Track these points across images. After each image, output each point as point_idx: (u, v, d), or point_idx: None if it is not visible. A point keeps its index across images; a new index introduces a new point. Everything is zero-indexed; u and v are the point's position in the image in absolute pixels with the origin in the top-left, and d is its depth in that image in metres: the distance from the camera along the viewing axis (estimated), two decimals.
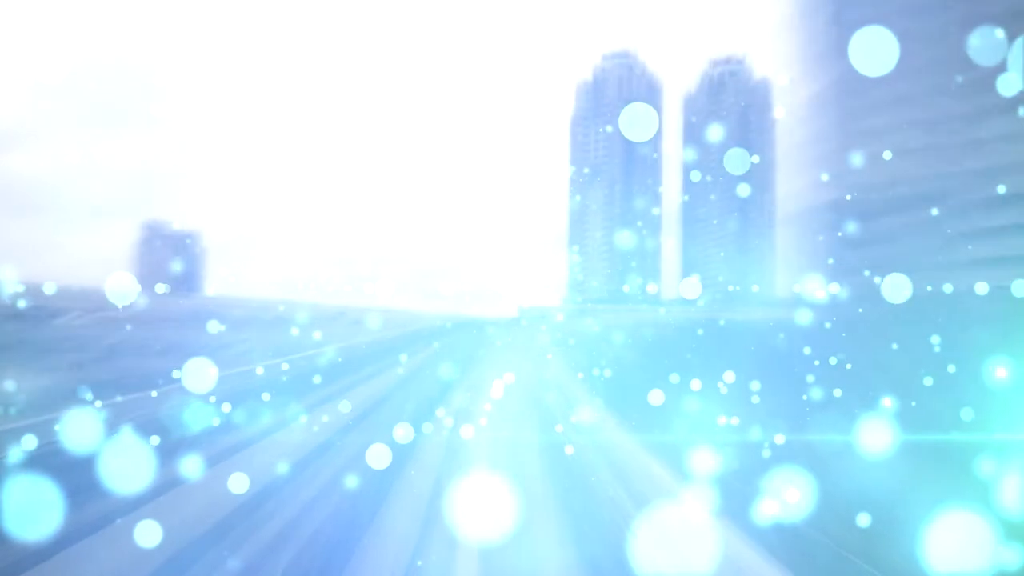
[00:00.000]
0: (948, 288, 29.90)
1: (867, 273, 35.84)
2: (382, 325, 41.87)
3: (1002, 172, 30.55)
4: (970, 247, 32.25)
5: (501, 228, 54.56)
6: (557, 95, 56.57)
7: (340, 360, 32.10)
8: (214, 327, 27.85)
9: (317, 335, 33.67)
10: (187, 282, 41.31)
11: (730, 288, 53.37)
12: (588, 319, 46.95)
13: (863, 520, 9.85)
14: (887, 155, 34.54)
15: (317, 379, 25.00)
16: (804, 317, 33.59)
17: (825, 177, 38.75)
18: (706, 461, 12.28)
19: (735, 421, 16.13)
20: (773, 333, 35.44)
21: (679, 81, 56.21)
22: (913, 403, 17.24)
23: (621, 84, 57.82)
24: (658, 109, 56.71)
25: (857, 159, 36.01)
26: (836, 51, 36.31)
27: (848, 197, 38.15)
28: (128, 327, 29.72)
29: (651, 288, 53.26)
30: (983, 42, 24.11)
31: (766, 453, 13.87)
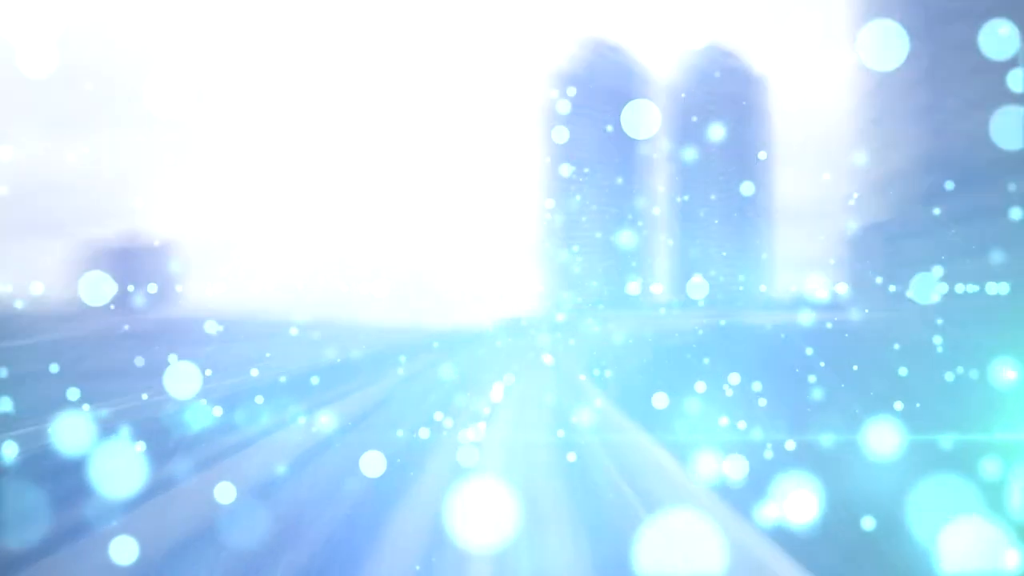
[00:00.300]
0: (960, 289, 29.71)
1: (869, 273, 35.65)
2: (381, 330, 41.62)
3: (1009, 173, 30.30)
4: (974, 247, 32.04)
5: (497, 229, 54.32)
6: (544, 90, 56.19)
7: (339, 361, 31.86)
8: (186, 342, 27.37)
9: (310, 344, 33.34)
10: (159, 295, 40.35)
11: (732, 288, 53.16)
12: (588, 319, 46.84)
13: (869, 523, 9.74)
14: (893, 152, 34.33)
15: (315, 380, 24.80)
16: (806, 318, 33.35)
17: (827, 176, 38.52)
18: (714, 463, 12.07)
19: (742, 425, 15.93)
20: (775, 334, 35.26)
21: (669, 75, 55.86)
22: (918, 404, 17.07)
23: (606, 76, 57.49)
24: (646, 103, 56.38)
25: (861, 157, 35.78)
26: (839, 45, 36.08)
27: (852, 196, 37.92)
28: (89, 343, 29.15)
29: (655, 288, 53.08)
30: (995, 36, 23.83)
31: (768, 455, 13.72)
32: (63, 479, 11.76)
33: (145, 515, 10.61)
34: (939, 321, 26.71)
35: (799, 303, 36.93)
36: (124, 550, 8.98)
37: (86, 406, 15.65)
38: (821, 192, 39.70)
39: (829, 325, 34.04)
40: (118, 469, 12.02)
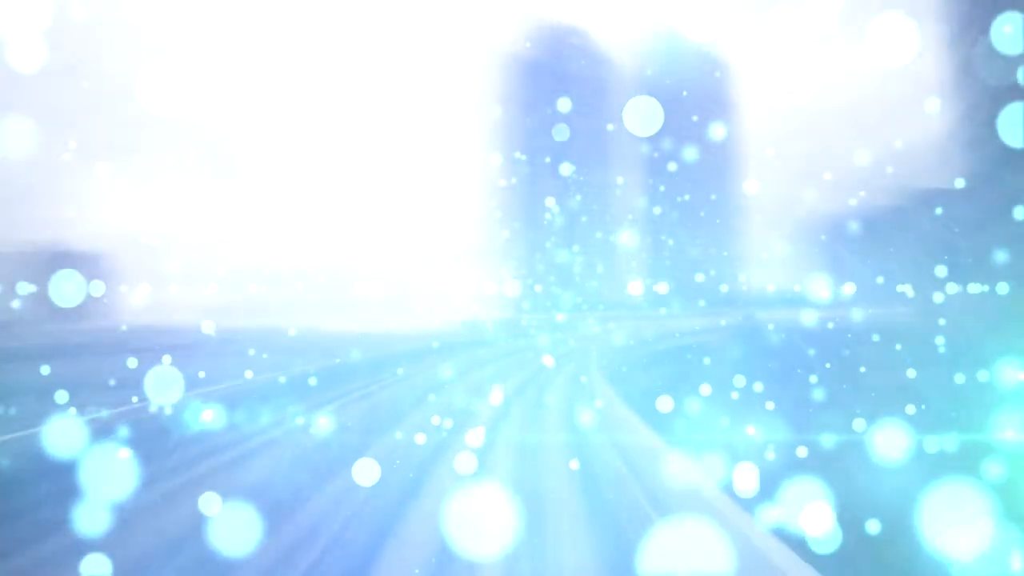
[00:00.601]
0: (956, 288, 29.60)
1: (869, 273, 35.55)
2: (380, 331, 41.59)
3: (1006, 173, 30.20)
4: (972, 246, 31.94)
5: (496, 231, 54.22)
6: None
7: (338, 362, 31.76)
8: (184, 344, 26.91)
9: (310, 345, 33.19)
10: (156, 296, 38.94)
11: (723, 288, 53.02)
12: (588, 319, 46.68)
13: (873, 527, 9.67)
14: (892, 153, 34.23)
15: (313, 381, 24.72)
16: (807, 317, 33.21)
17: (828, 176, 38.40)
18: (721, 465, 11.96)
19: (750, 429, 15.79)
20: (776, 334, 35.13)
21: (669, 74, 55.65)
22: (924, 406, 16.99)
23: (602, 76, 57.33)
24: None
25: (861, 157, 35.67)
26: (836, 41, 35.97)
27: (854, 196, 37.83)
28: (79, 345, 28.33)
29: (658, 288, 52.99)
30: (1000, 34, 23.72)
31: (770, 455, 13.63)
32: (52, 482, 11.59)
33: (138, 518, 10.43)
34: (941, 321, 26.62)
35: (800, 302, 36.84)
36: (116, 557, 8.80)
37: (73, 410, 15.45)
38: (821, 192, 39.60)
39: (831, 325, 33.97)
40: (109, 474, 11.83)
